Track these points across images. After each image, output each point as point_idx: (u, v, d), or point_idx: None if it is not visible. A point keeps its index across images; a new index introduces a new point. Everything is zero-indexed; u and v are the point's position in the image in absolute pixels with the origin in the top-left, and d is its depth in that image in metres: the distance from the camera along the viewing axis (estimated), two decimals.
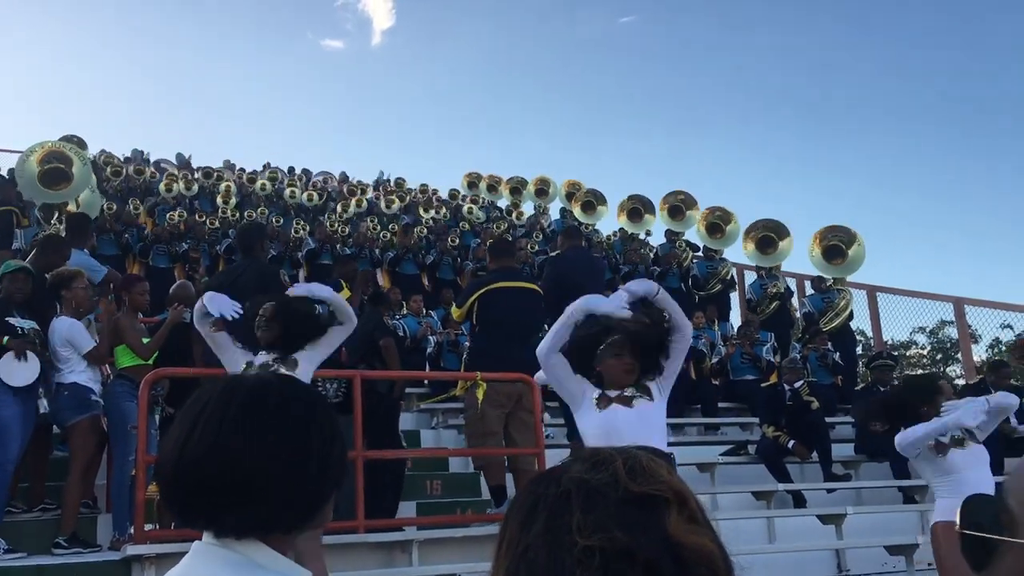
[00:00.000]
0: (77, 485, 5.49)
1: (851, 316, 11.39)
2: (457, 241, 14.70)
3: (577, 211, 16.77)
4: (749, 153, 65.83)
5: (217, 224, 14.91)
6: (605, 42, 73.80)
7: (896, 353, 14.09)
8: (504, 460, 6.31)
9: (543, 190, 19.37)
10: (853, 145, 60.66)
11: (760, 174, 62.64)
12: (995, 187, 49.12)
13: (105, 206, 12.88)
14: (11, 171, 9.91)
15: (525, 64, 79.44)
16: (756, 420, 8.91)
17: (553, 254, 8.04)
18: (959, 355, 13.25)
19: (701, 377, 10.22)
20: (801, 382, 8.28)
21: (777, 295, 11.71)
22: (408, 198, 19.45)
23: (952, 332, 15.35)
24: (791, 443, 7.89)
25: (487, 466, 6.31)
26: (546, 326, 7.47)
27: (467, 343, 8.48)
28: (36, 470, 5.98)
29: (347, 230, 15.07)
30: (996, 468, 7.89)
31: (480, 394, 6.10)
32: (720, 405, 10.07)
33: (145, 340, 5.96)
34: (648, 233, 15.81)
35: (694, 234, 14.11)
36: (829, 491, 7.81)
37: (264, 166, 22.21)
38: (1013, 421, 8.51)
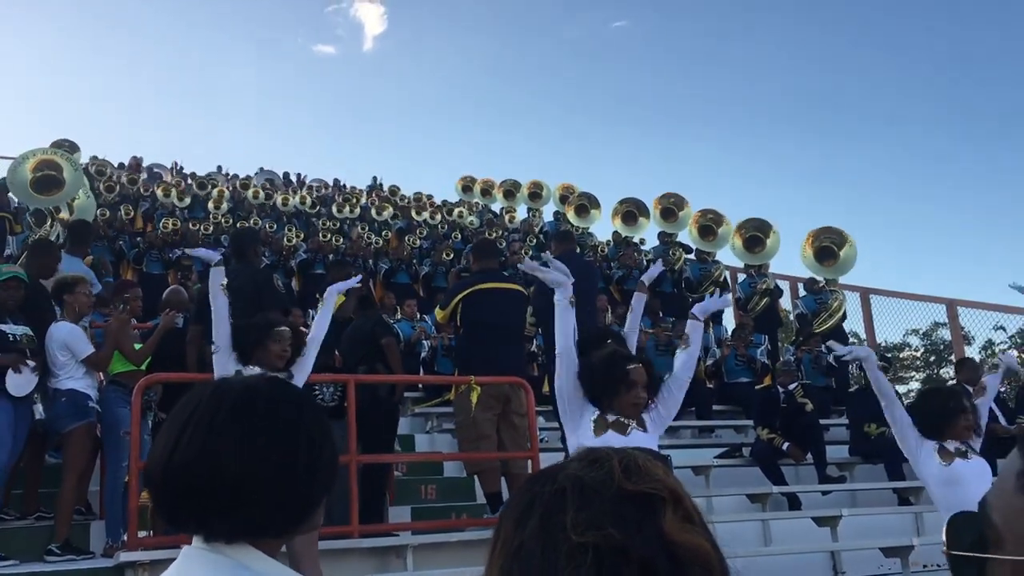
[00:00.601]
0: (71, 492, 5.46)
1: (844, 317, 11.41)
2: (451, 255, 14.69)
3: (571, 215, 16.78)
4: (741, 157, 66.02)
5: (211, 230, 14.87)
6: (597, 47, 73.99)
7: (890, 355, 14.11)
8: (499, 466, 6.29)
9: (536, 194, 19.38)
10: (846, 149, 60.89)
11: (753, 177, 62.83)
12: (987, 189, 49.31)
13: (98, 212, 12.85)
14: (3, 179, 9.89)
15: (517, 69, 79.58)
16: (751, 422, 8.90)
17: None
18: (952, 357, 13.26)
19: (695, 380, 10.19)
20: (795, 384, 8.28)
21: (767, 292, 11.73)
22: (401, 204, 19.43)
23: (945, 334, 15.39)
24: (786, 445, 7.89)
25: (482, 472, 6.28)
26: (534, 327, 7.50)
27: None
28: (30, 477, 5.95)
29: (340, 240, 15.02)
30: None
31: (474, 398, 6.08)
32: (714, 408, 10.07)
33: (137, 346, 5.93)
34: (642, 241, 15.82)
35: (686, 236, 14.14)
36: (824, 493, 7.81)
37: (259, 171, 22.23)
38: (1002, 421, 8.54)
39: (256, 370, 4.44)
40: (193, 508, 1.23)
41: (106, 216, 13.62)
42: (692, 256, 13.85)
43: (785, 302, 12.77)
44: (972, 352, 13.07)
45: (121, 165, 19.45)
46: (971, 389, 5.11)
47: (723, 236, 13.02)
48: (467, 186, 20.72)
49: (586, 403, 3.89)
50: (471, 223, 18.11)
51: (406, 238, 16.12)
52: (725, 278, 13.27)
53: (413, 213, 18.36)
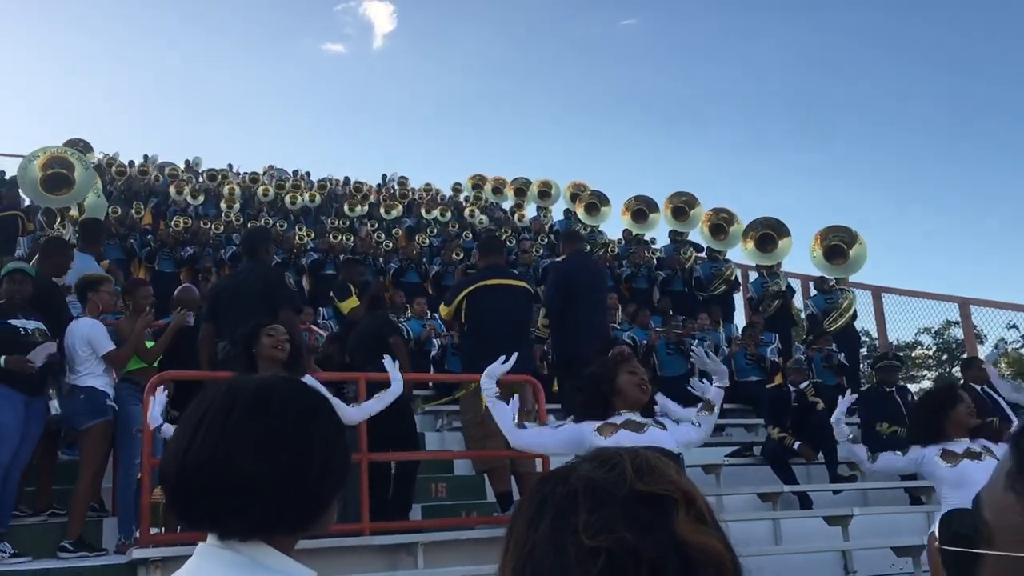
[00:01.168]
0: (87, 489, 5.49)
1: (855, 316, 11.37)
2: (461, 255, 14.71)
3: (581, 212, 16.76)
4: (752, 155, 65.80)
5: (221, 229, 14.91)
6: (606, 45, 73.85)
7: (902, 354, 14.06)
8: (508, 464, 6.29)
9: (546, 192, 19.37)
10: (857, 146, 60.64)
11: (763, 176, 62.61)
12: (1000, 187, 49.02)
13: (110, 210, 12.91)
14: (14, 177, 9.94)
15: (526, 67, 79.51)
16: (761, 421, 8.89)
17: (559, 259, 7.98)
18: (965, 355, 13.20)
19: (705, 379, 10.19)
20: (806, 383, 8.25)
21: (779, 293, 11.70)
22: (410, 197, 19.42)
23: (958, 332, 15.32)
24: (797, 444, 7.87)
25: (492, 471, 6.28)
26: (542, 326, 7.49)
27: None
28: (43, 473, 5.98)
29: (350, 239, 15.04)
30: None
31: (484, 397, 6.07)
32: (725, 406, 10.03)
33: (149, 344, 5.96)
34: (652, 240, 15.79)
35: (697, 235, 14.11)
36: (835, 492, 7.78)
37: (267, 168, 22.26)
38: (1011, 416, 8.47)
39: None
40: (207, 506, 1.23)
41: (118, 214, 13.67)
42: (703, 255, 13.84)
43: (797, 300, 12.73)
44: (985, 351, 13.01)
45: (131, 163, 19.52)
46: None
47: (734, 235, 12.99)
48: (478, 184, 20.71)
49: (578, 431, 4.01)
50: (481, 221, 18.10)
51: (416, 237, 16.13)
52: (736, 277, 13.24)
53: (423, 211, 18.34)
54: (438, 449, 8.08)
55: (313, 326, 9.43)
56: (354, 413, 4.88)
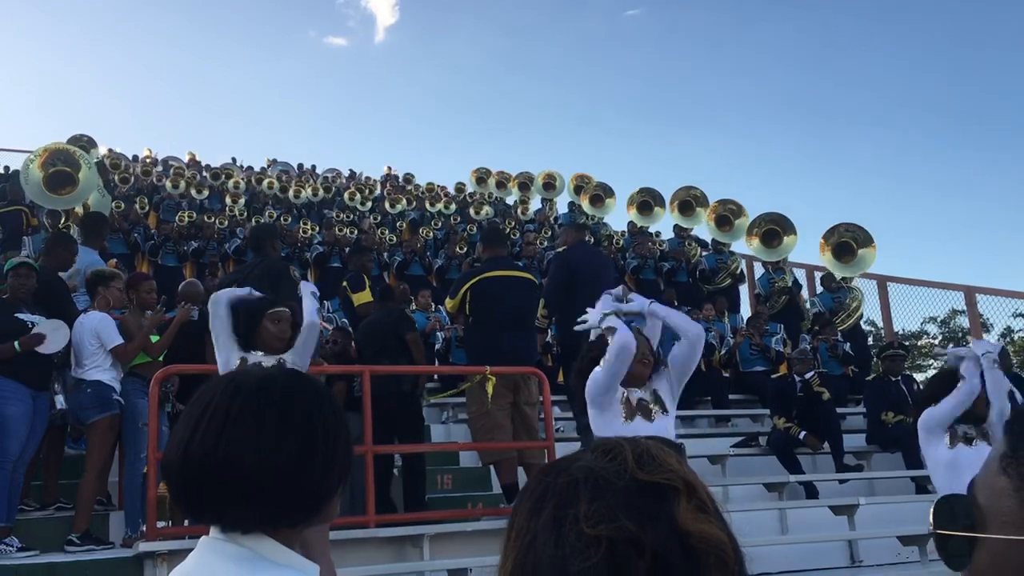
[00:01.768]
0: (93, 483, 5.51)
1: (861, 316, 11.38)
2: (465, 249, 14.70)
3: (586, 204, 16.73)
4: (756, 145, 65.66)
5: (226, 223, 14.92)
6: (610, 36, 73.66)
7: (907, 343, 14.03)
8: (515, 456, 6.30)
9: (551, 184, 19.33)
10: (862, 136, 60.46)
11: (768, 166, 62.47)
12: (1005, 175, 48.86)
13: (113, 205, 12.92)
14: (16, 171, 9.95)
15: (529, 58, 79.37)
16: (767, 411, 8.88)
17: (560, 249, 7.97)
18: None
19: (711, 369, 10.20)
20: (812, 373, 8.24)
21: (785, 289, 11.68)
22: (415, 193, 19.40)
23: (963, 321, 15.27)
24: (802, 434, 7.87)
25: (499, 463, 6.30)
26: (541, 316, 7.50)
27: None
28: (49, 467, 6.01)
29: (354, 232, 15.04)
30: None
31: (490, 388, 6.09)
32: (731, 397, 10.05)
33: (154, 338, 5.97)
34: (657, 234, 15.75)
35: (703, 230, 14.08)
36: (841, 482, 7.78)
37: (271, 162, 22.26)
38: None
39: (259, 355, 4.50)
40: (210, 499, 1.23)
41: (121, 208, 13.68)
42: (708, 250, 13.83)
43: (803, 294, 12.70)
44: (991, 339, 12.97)
45: (135, 158, 19.53)
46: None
47: (740, 227, 12.94)
48: (481, 178, 20.67)
49: (616, 388, 3.95)
50: (486, 213, 18.08)
51: (420, 230, 16.13)
52: (741, 270, 13.22)
53: (427, 204, 18.33)
54: (444, 441, 8.09)
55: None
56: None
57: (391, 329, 6.80)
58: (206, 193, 17.01)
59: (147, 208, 15.28)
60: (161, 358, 5.93)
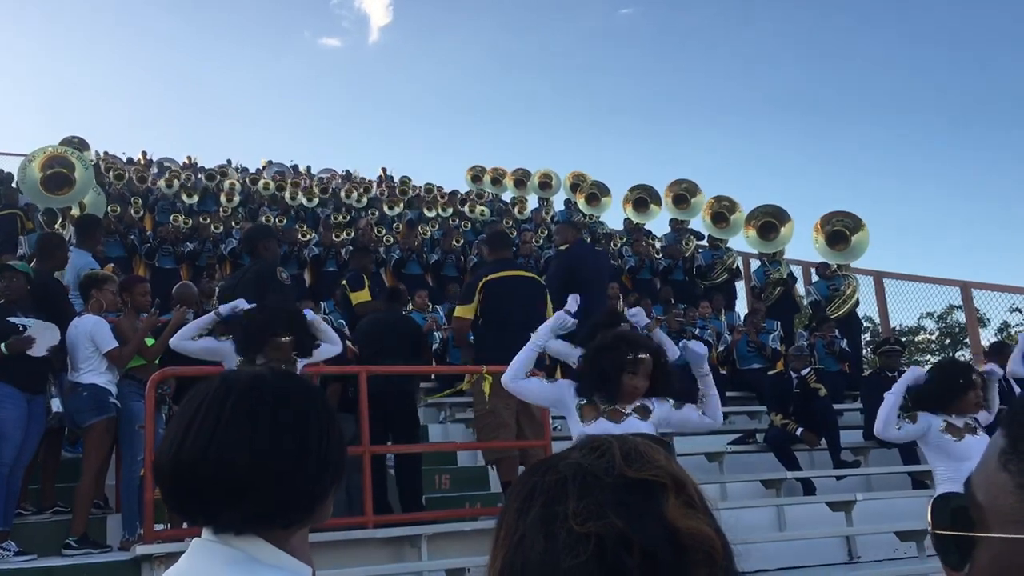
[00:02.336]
0: (91, 486, 5.50)
1: (857, 303, 11.36)
2: (461, 241, 14.68)
3: (582, 203, 16.74)
4: (752, 142, 65.71)
5: (220, 228, 14.88)
6: (605, 34, 73.66)
7: (904, 339, 14.04)
8: (518, 455, 6.29)
9: (547, 183, 19.33)
10: (857, 133, 60.52)
11: (763, 163, 62.52)
12: (1001, 170, 48.92)
13: (109, 208, 12.89)
14: (9, 173, 9.94)
15: (524, 58, 79.35)
16: (764, 408, 8.89)
17: (562, 247, 7.96)
18: (968, 340, 13.18)
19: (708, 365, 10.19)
20: (808, 369, 8.24)
21: (780, 281, 11.69)
22: (411, 195, 19.38)
23: (960, 316, 15.28)
24: (800, 430, 7.87)
25: (500, 461, 6.29)
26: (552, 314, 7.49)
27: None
28: (46, 471, 6.00)
29: (351, 233, 15.01)
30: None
31: (487, 387, 6.08)
32: (727, 394, 10.04)
33: (149, 341, 5.97)
34: (653, 236, 15.75)
35: (699, 223, 14.09)
36: (838, 478, 7.79)
37: (266, 163, 22.24)
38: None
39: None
40: (202, 500, 1.23)
41: (117, 211, 13.65)
42: (704, 243, 13.82)
43: (799, 287, 12.72)
44: (988, 334, 13.02)
45: (130, 160, 19.49)
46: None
47: (736, 223, 12.98)
48: (477, 175, 20.65)
49: (562, 390, 3.99)
50: (483, 213, 18.08)
51: (418, 226, 16.13)
52: (737, 265, 13.24)
53: (425, 209, 18.32)
54: (441, 441, 8.08)
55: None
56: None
57: (403, 332, 6.82)
58: (196, 198, 16.96)
59: (142, 211, 15.24)
60: (157, 361, 5.92)
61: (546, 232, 16.24)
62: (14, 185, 11.85)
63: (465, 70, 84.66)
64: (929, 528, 0.81)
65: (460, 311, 6.57)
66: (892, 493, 7.48)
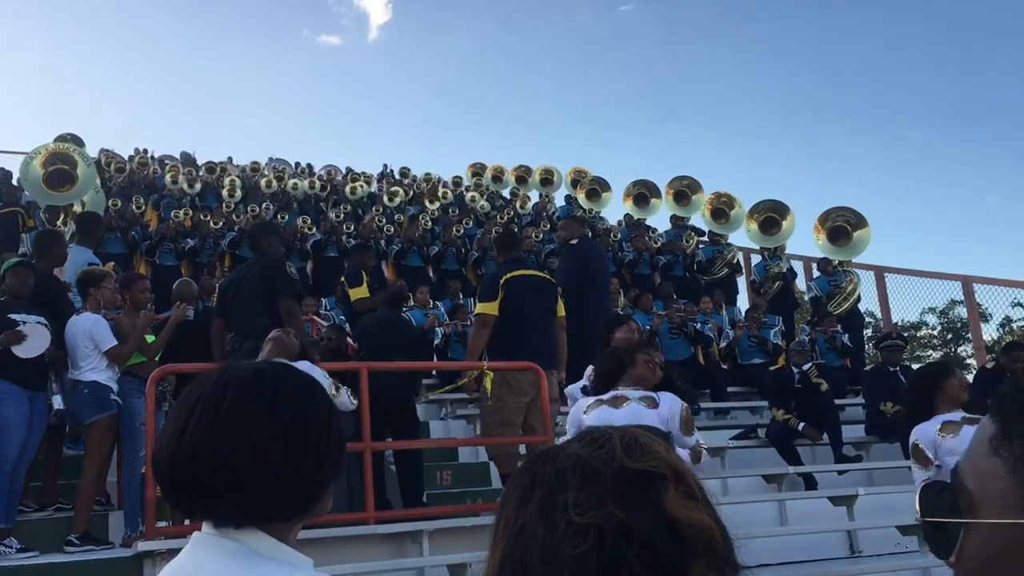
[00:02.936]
0: (93, 484, 5.50)
1: (859, 299, 11.35)
2: (461, 231, 14.67)
3: (582, 198, 16.74)
4: (752, 139, 65.65)
5: (221, 221, 14.88)
6: (604, 30, 73.59)
7: (906, 334, 14.03)
8: (518, 450, 6.29)
9: (548, 179, 19.33)
10: (858, 129, 60.48)
11: (763, 160, 62.46)
12: (1002, 166, 48.87)
13: (110, 204, 12.89)
14: (9, 171, 9.94)
15: (523, 55, 79.30)
16: (766, 404, 8.89)
17: (571, 242, 7.93)
18: (969, 335, 13.18)
19: (710, 362, 10.20)
20: (810, 364, 8.24)
21: (780, 275, 11.69)
22: (413, 188, 19.37)
23: (962, 311, 15.28)
24: (801, 425, 7.87)
25: (499, 456, 6.31)
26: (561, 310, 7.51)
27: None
28: (48, 468, 6.00)
29: (351, 225, 15.02)
30: None
31: (488, 383, 6.07)
32: (729, 389, 10.05)
33: (150, 338, 5.97)
34: (654, 230, 15.76)
35: (699, 220, 14.09)
36: (840, 473, 7.78)
37: (269, 160, 22.21)
38: None
39: None
40: (201, 494, 1.22)
41: (118, 207, 13.65)
42: (705, 239, 13.83)
43: (800, 283, 12.72)
44: (990, 329, 13.01)
45: (130, 158, 19.47)
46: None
47: (736, 219, 12.99)
48: (477, 173, 20.64)
49: (581, 404, 4.02)
50: (482, 207, 18.08)
51: (419, 217, 16.13)
52: (738, 260, 13.23)
53: (426, 202, 18.31)
54: (443, 437, 8.08)
55: (315, 316, 9.42)
56: None
57: (408, 332, 6.84)
58: (198, 187, 16.96)
59: (143, 207, 15.24)
60: (157, 358, 5.92)
61: (548, 226, 16.23)
62: (15, 182, 11.87)
63: (464, 67, 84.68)
64: (918, 517, 0.81)
65: (484, 307, 6.46)
66: (893, 488, 7.47)
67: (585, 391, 4.38)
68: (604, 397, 3.94)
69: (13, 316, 5.42)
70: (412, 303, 10.73)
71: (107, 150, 18.48)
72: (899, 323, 12.57)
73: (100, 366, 5.63)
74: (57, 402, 5.85)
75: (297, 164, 22.22)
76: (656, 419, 3.92)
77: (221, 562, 1.21)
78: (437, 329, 10.19)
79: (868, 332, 13.27)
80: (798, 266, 12.76)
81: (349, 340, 7.30)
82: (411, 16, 78.82)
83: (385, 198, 17.89)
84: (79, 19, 78.16)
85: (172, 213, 14.45)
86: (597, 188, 16.79)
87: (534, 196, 19.54)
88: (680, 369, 9.68)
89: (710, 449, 7.80)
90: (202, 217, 14.34)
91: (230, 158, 21.77)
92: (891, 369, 8.59)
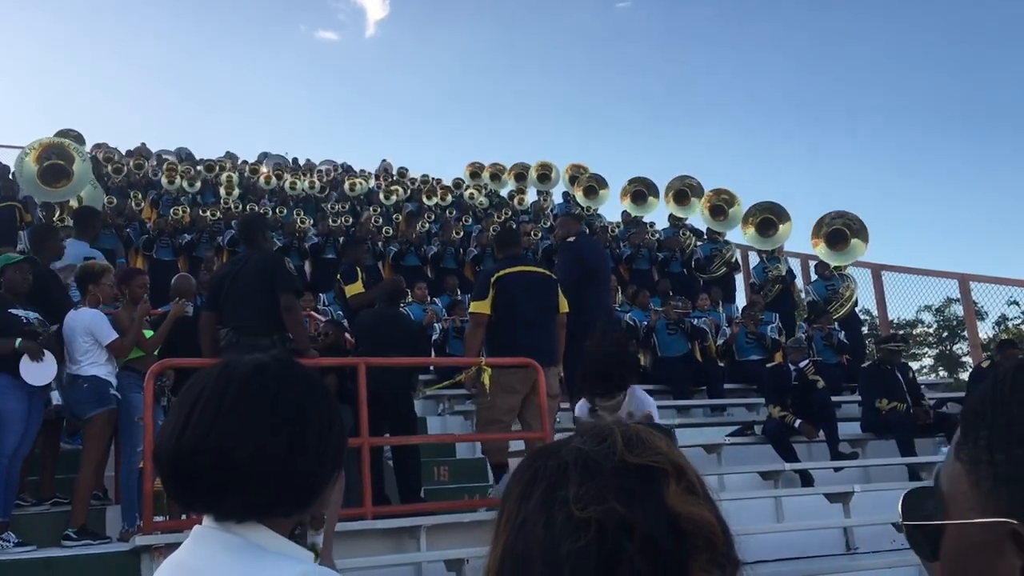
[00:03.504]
0: (91, 478, 5.49)
1: (856, 304, 11.39)
2: (460, 234, 14.65)
3: (580, 195, 16.73)
4: (751, 137, 65.64)
5: (219, 216, 14.86)
6: (602, 27, 73.53)
7: (903, 331, 14.06)
8: (506, 445, 6.28)
9: (546, 175, 19.31)
10: (855, 127, 60.49)
11: (762, 158, 62.48)
12: (998, 163, 48.92)
13: (106, 200, 12.87)
14: (6, 166, 9.92)
15: (520, 51, 79.24)
16: (762, 400, 8.90)
17: (569, 239, 7.92)
18: (965, 332, 13.21)
19: (707, 358, 10.22)
20: (806, 361, 8.25)
21: (779, 278, 11.70)
22: (411, 188, 19.35)
23: (958, 309, 15.32)
24: (798, 422, 7.88)
25: (488, 449, 6.33)
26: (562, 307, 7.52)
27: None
28: (45, 463, 5.99)
29: (350, 220, 15.02)
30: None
31: (486, 380, 6.07)
32: (726, 386, 10.07)
33: (148, 333, 5.96)
34: (652, 224, 15.76)
35: (698, 220, 14.09)
36: (836, 470, 7.80)
37: (264, 155, 22.19)
38: None
39: None
40: (203, 488, 1.23)
41: (114, 204, 13.63)
42: (703, 239, 13.83)
43: (800, 283, 12.72)
44: (986, 327, 13.03)
45: (129, 153, 19.44)
46: None
47: (734, 216, 12.97)
48: (475, 172, 20.62)
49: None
50: (480, 203, 18.06)
51: (418, 217, 16.12)
52: (736, 259, 13.24)
53: (424, 198, 18.30)
54: (440, 433, 8.09)
55: (314, 312, 9.42)
56: None
57: (408, 329, 6.83)
58: (198, 185, 16.93)
59: (142, 204, 15.22)
60: (156, 352, 5.92)
61: (547, 223, 16.23)
62: (11, 177, 11.84)
63: (461, 64, 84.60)
64: (900, 520, 0.83)
65: (476, 306, 6.44)
66: (890, 484, 7.50)
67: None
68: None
69: (14, 312, 5.42)
70: (410, 299, 10.73)
71: (102, 144, 18.45)
72: (895, 321, 12.60)
73: (100, 360, 5.62)
74: (54, 397, 5.85)
75: (295, 160, 22.19)
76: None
77: (223, 556, 1.22)
78: (435, 325, 10.19)
79: (864, 329, 13.29)
80: (795, 263, 12.77)
81: (347, 336, 7.30)
82: (408, 12, 78.75)
83: (382, 196, 17.86)
84: (76, 17, 78.00)
85: (171, 210, 14.42)
86: (595, 185, 16.79)
87: (532, 194, 19.54)
88: (678, 365, 9.77)
89: (707, 446, 7.84)
90: (200, 212, 14.32)
91: (228, 152, 21.74)
92: (888, 366, 8.61)
